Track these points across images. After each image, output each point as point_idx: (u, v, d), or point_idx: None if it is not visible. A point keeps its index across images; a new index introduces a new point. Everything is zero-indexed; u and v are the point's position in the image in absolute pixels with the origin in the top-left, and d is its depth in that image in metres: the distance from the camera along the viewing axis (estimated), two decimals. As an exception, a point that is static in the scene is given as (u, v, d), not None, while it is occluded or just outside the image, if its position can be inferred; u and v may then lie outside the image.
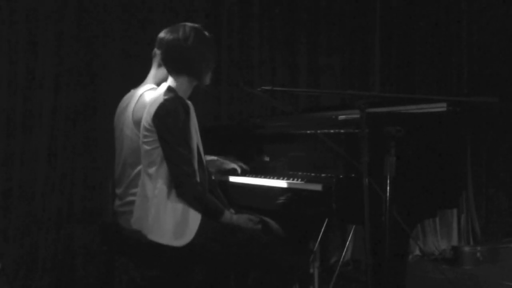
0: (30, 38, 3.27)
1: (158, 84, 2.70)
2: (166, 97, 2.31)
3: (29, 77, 3.27)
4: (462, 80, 4.71)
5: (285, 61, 4.22)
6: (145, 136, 2.32)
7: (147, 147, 2.32)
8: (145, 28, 3.57)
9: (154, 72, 2.76)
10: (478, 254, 4.23)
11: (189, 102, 2.38)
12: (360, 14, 4.55)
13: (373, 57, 4.60)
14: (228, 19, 3.90)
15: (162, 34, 2.41)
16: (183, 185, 2.25)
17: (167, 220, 2.26)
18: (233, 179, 2.87)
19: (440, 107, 2.67)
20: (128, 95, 2.75)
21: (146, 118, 2.32)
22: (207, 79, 2.44)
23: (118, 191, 2.66)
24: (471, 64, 4.75)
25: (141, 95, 2.64)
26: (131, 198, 2.53)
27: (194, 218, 2.27)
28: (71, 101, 3.38)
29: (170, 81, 2.40)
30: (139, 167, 2.55)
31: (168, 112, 2.26)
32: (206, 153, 2.54)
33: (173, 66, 2.39)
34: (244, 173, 2.89)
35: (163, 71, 2.73)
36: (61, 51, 3.34)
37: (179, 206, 2.26)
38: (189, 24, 2.39)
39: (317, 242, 3.07)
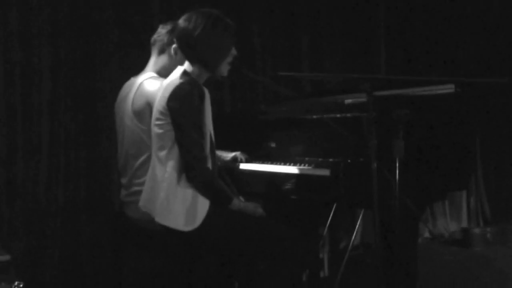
0: (26, 28, 3.22)
1: (159, 72, 2.68)
2: (181, 80, 2.28)
3: (26, 68, 3.23)
4: (470, 61, 4.65)
5: (287, 46, 4.17)
6: (157, 119, 2.30)
7: (159, 130, 2.29)
8: (143, 15, 3.52)
9: (154, 60, 2.73)
10: (488, 235, 4.21)
11: (204, 88, 2.34)
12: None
13: (378, 38, 4.55)
14: (228, 3, 3.85)
15: (179, 21, 2.34)
16: (193, 170, 2.23)
17: (176, 204, 2.24)
18: (241, 166, 2.86)
19: (448, 88, 2.63)
20: (128, 83, 2.73)
21: (160, 101, 2.29)
22: (223, 71, 2.37)
23: (123, 181, 2.65)
24: (479, 44, 4.68)
25: (140, 84, 2.61)
26: (136, 188, 2.52)
27: (203, 204, 2.25)
28: (71, 91, 3.34)
29: (186, 65, 2.36)
30: (142, 157, 2.54)
31: (183, 95, 2.23)
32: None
33: (185, 55, 2.36)
34: (251, 160, 2.88)
35: (163, 59, 2.70)
36: (57, 40, 3.30)
37: (189, 191, 2.24)
38: (204, 11, 2.32)
39: (326, 227, 3.06)
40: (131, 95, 2.61)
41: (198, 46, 2.29)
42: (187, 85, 2.26)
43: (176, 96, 2.24)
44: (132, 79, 2.72)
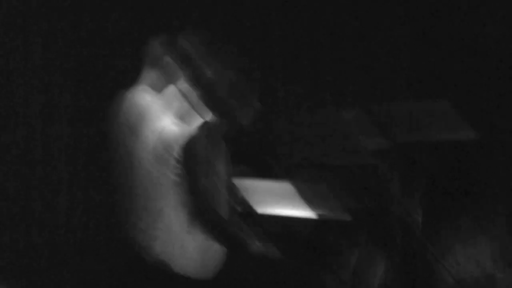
0: (21, 36, 3.27)
1: (150, 86, 2.64)
2: (198, 131, 2.31)
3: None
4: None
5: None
6: (174, 167, 2.30)
7: (175, 178, 2.30)
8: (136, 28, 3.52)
9: (146, 74, 2.70)
10: (512, 279, 4.12)
11: (221, 140, 2.36)
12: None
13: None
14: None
15: None
16: (206, 219, 2.24)
17: (192, 252, 2.25)
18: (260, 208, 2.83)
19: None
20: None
21: (175, 147, 2.31)
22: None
23: (141, 224, 2.63)
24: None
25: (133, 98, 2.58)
26: (155, 231, 2.50)
27: (219, 250, 2.25)
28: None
29: (208, 115, 2.38)
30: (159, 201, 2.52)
31: (197, 145, 2.27)
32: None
33: (208, 104, 2.38)
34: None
35: (155, 73, 2.68)
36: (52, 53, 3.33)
37: (203, 237, 2.25)
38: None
39: (348, 273, 3.01)
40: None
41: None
42: (202, 136, 2.29)
43: (191, 146, 2.27)
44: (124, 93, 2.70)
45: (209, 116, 2.38)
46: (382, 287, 3.87)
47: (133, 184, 2.68)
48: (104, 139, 3.35)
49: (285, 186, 2.88)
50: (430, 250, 2.26)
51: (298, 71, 4.11)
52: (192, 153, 2.26)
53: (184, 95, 2.60)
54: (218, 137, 2.37)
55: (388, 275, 3.76)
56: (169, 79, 2.51)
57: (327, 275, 2.91)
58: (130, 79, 2.76)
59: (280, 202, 2.83)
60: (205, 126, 2.34)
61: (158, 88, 2.61)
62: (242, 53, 2.42)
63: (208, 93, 2.34)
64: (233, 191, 2.44)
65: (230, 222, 2.37)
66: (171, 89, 2.43)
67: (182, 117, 2.65)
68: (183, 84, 2.40)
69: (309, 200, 2.71)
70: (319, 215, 2.53)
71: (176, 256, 2.27)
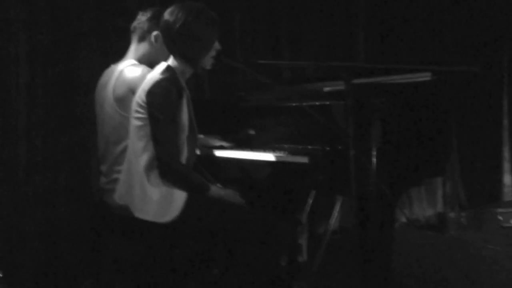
0: (1, 15, 3.16)
1: (139, 60, 2.67)
2: (162, 76, 2.30)
3: (3, 55, 3.18)
4: (446, 48, 4.70)
5: (266, 32, 4.16)
6: (137, 111, 2.32)
7: (137, 123, 2.31)
8: (122, 1, 3.48)
9: (135, 47, 2.71)
10: (463, 220, 4.30)
11: (184, 86, 2.36)
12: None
13: (357, 26, 4.57)
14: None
15: (164, 14, 2.35)
16: (165, 166, 2.26)
17: (153, 197, 2.27)
18: (219, 153, 2.87)
19: (424, 76, 2.67)
20: (108, 71, 2.71)
21: (140, 93, 2.32)
22: (205, 64, 2.39)
23: (103, 168, 2.64)
24: (455, 31, 4.74)
25: (121, 71, 2.60)
26: (116, 175, 2.51)
27: (180, 195, 2.28)
28: (49, 78, 3.30)
29: (171, 60, 2.38)
30: (122, 144, 2.53)
31: (160, 91, 2.26)
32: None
33: (167, 48, 2.37)
34: (229, 148, 2.89)
35: (143, 46, 2.69)
36: (34, 26, 3.25)
37: (163, 181, 2.27)
38: (188, 4, 2.33)
39: (305, 213, 3.09)
40: (112, 82, 2.59)
41: (179, 39, 2.30)
42: (166, 81, 2.28)
43: (154, 91, 2.27)
44: (112, 66, 2.71)
45: (172, 61, 2.37)
46: (337, 227, 4.02)
47: (98, 127, 2.69)
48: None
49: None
50: (384, 190, 2.34)
51: (255, 19, 4.12)
52: (155, 98, 2.26)
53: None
54: (182, 82, 2.37)
55: (342, 216, 3.90)
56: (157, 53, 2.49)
57: (284, 215, 3.01)
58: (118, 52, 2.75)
59: (238, 147, 2.88)
60: (168, 70, 2.34)
61: (146, 62, 2.60)
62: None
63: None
64: (195, 137, 2.45)
65: (191, 167, 2.39)
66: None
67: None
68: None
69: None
70: (276, 157, 2.58)
71: (136, 200, 2.30)
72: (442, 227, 4.29)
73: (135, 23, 2.70)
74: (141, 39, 2.68)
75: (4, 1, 3.18)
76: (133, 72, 2.56)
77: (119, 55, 2.74)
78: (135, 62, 2.66)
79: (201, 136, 2.82)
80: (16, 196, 3.23)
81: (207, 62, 2.39)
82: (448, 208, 4.63)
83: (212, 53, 2.38)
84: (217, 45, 2.39)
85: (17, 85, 3.22)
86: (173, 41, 2.31)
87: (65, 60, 3.35)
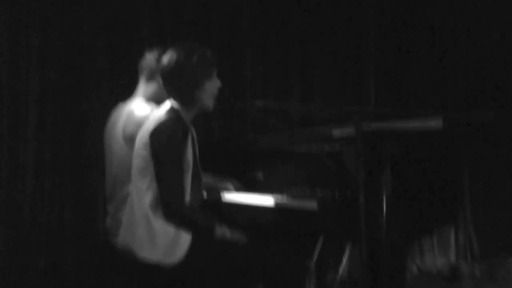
0: (15, 52, 3.21)
1: (148, 99, 2.67)
2: (166, 116, 2.29)
3: (14, 93, 3.21)
4: (460, 96, 4.68)
5: (277, 75, 4.18)
6: (140, 150, 2.30)
7: (141, 163, 2.29)
8: (131, 41, 3.51)
9: (143, 86, 2.72)
10: (476, 271, 4.19)
11: (188, 125, 2.35)
12: (354, 26, 4.53)
13: (368, 71, 4.57)
14: (217, 32, 3.86)
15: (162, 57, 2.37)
16: (169, 207, 2.22)
17: (158, 237, 2.23)
18: (226, 196, 2.83)
19: (436, 122, 2.63)
20: (117, 110, 2.71)
21: (144, 133, 2.30)
22: (206, 103, 2.37)
23: (110, 208, 2.61)
24: (468, 78, 4.72)
25: (130, 110, 2.59)
26: (122, 216, 2.48)
27: (185, 236, 2.24)
28: (59, 116, 3.31)
29: (174, 102, 2.37)
30: (129, 184, 2.50)
31: (164, 132, 2.24)
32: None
33: (166, 90, 2.36)
34: (237, 190, 2.85)
35: (152, 85, 2.69)
36: (45, 64, 3.28)
37: (168, 223, 2.23)
38: (182, 44, 2.35)
39: (313, 260, 3.02)
40: (121, 121, 2.59)
41: (172, 79, 2.31)
42: (170, 121, 2.27)
43: (158, 131, 2.25)
44: (120, 105, 2.70)
45: (176, 102, 2.36)
46: (346, 275, 3.92)
47: (106, 167, 2.67)
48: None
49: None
50: (395, 239, 2.28)
51: (267, 63, 4.14)
52: (159, 138, 2.24)
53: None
54: (186, 121, 2.35)
55: (352, 264, 3.80)
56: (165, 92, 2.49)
57: (291, 262, 2.93)
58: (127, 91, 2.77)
59: (246, 190, 2.83)
60: (173, 110, 2.33)
61: (154, 100, 2.61)
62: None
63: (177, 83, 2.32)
64: (199, 177, 2.42)
65: (196, 209, 2.35)
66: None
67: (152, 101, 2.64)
68: None
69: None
70: (284, 202, 2.54)
71: (140, 242, 2.25)
72: (455, 279, 4.17)
73: (142, 63, 2.71)
74: (149, 78, 2.69)
75: (17, 40, 3.21)
76: (142, 110, 2.55)
77: (130, 94, 2.74)
78: (143, 100, 2.65)
79: (209, 180, 2.78)
80: (20, 235, 3.19)
81: (207, 101, 2.36)
82: (461, 258, 4.51)
83: (212, 91, 2.36)
84: (217, 83, 2.37)
85: (27, 123, 3.23)
86: (168, 83, 2.32)
87: (75, 99, 3.36)
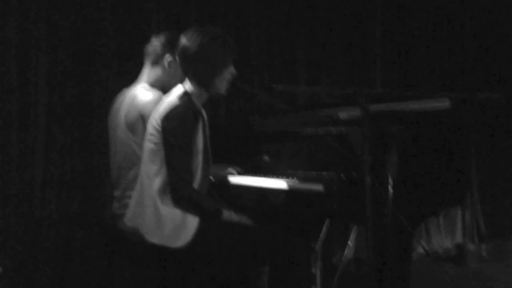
0: (23, 37, 3.21)
1: (152, 84, 2.66)
2: (179, 101, 2.29)
3: (22, 78, 3.21)
4: (466, 75, 4.65)
5: (283, 57, 4.15)
6: (152, 135, 2.30)
7: (152, 146, 2.30)
8: (138, 26, 3.50)
9: (148, 70, 2.70)
10: (483, 252, 4.19)
11: (200, 110, 2.35)
12: (360, 8, 4.49)
13: (375, 52, 4.54)
14: (224, 16, 3.85)
15: (181, 38, 2.35)
16: (178, 191, 2.23)
17: (165, 221, 2.24)
18: (233, 179, 2.83)
19: (443, 103, 2.62)
20: (120, 95, 2.71)
21: (156, 117, 2.31)
22: (220, 88, 2.37)
23: (116, 193, 2.63)
24: (476, 58, 4.69)
25: (133, 96, 2.59)
26: (129, 200, 2.49)
27: (193, 219, 2.24)
28: (66, 101, 3.32)
29: (187, 84, 2.36)
30: (135, 169, 2.51)
31: (177, 117, 2.25)
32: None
33: (183, 70, 2.36)
34: (243, 173, 2.85)
35: (157, 70, 2.68)
36: (53, 50, 3.28)
37: (176, 206, 2.24)
38: (204, 28, 2.34)
39: (319, 242, 3.03)
40: (124, 107, 2.59)
41: (194, 62, 2.30)
42: (183, 107, 2.27)
43: (171, 116, 2.25)
44: (125, 90, 2.70)
45: (191, 85, 2.35)
46: (352, 257, 3.93)
47: (111, 152, 2.68)
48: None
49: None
50: (401, 220, 2.28)
51: (273, 46, 4.12)
52: (171, 123, 2.24)
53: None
54: (199, 106, 2.35)
55: (358, 246, 3.82)
56: (170, 77, 2.48)
57: (297, 244, 2.94)
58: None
59: (252, 173, 2.84)
60: (186, 95, 2.32)
61: (159, 86, 2.60)
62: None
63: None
64: (208, 160, 2.42)
65: (203, 193, 2.36)
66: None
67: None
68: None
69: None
70: (290, 184, 2.54)
71: (148, 223, 2.27)
72: (461, 260, 4.18)
73: (148, 47, 2.70)
74: (155, 63, 2.68)
75: (26, 25, 3.20)
76: (145, 96, 2.55)
77: (135, 79, 2.73)
78: (147, 86, 2.65)
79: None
80: (30, 219, 3.22)
81: (222, 87, 2.37)
82: (467, 239, 4.52)
83: (228, 77, 2.36)
84: (232, 70, 2.37)
85: (36, 108, 3.24)
86: (188, 64, 2.31)
87: (82, 83, 3.37)
